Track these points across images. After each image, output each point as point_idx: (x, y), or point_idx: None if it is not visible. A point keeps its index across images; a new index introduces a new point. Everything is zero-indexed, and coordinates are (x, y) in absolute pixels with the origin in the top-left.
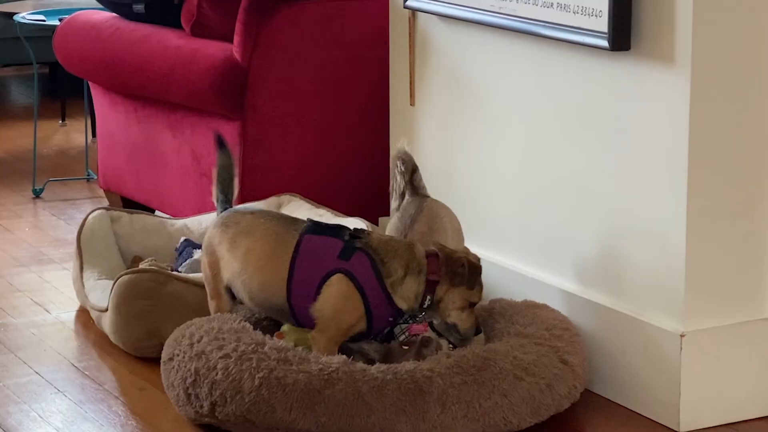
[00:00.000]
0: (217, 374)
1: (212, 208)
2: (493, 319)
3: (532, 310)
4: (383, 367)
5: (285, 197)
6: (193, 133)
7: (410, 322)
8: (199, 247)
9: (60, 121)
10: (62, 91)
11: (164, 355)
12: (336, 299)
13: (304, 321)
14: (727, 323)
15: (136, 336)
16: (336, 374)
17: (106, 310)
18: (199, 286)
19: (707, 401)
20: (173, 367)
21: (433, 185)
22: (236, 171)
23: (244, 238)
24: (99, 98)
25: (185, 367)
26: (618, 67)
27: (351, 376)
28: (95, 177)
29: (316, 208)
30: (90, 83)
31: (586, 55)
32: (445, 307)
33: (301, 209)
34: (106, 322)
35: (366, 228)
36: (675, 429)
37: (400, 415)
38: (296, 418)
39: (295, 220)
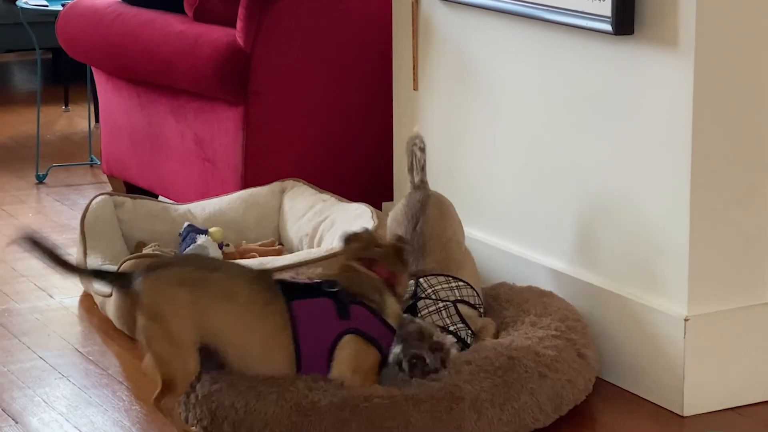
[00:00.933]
0: (236, 412)
1: (216, 193)
2: (500, 306)
3: (540, 298)
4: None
5: (288, 182)
6: (196, 118)
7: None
8: (203, 232)
9: (63, 107)
10: (65, 76)
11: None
12: (353, 360)
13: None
14: (731, 307)
15: None
16: (372, 389)
17: (110, 295)
18: None
19: (711, 385)
20: (183, 410)
21: (437, 169)
22: None
23: (224, 304)
24: (102, 84)
25: (198, 409)
26: (621, 51)
27: (387, 391)
28: (98, 162)
29: (320, 193)
30: (93, 68)
31: (589, 40)
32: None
33: (304, 194)
34: (111, 307)
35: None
36: (678, 413)
37: (437, 426)
38: None
39: (267, 281)
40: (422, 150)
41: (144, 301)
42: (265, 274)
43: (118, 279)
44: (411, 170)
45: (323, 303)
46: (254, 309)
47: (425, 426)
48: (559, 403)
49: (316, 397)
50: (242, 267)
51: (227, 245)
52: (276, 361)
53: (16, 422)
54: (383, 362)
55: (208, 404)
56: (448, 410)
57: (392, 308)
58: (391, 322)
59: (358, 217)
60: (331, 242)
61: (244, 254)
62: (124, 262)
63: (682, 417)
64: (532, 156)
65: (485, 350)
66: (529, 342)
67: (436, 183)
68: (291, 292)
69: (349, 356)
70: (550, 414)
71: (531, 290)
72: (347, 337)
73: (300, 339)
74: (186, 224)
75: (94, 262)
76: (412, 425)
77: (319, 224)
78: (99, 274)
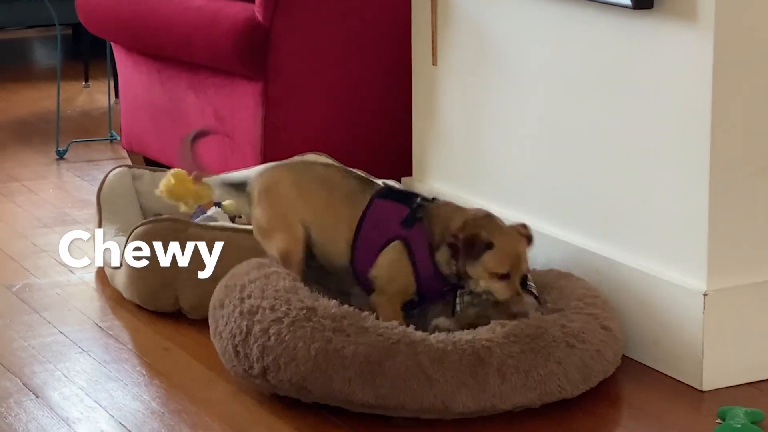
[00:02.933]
0: (269, 339)
1: (234, 167)
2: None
3: (557, 281)
4: (442, 336)
5: (309, 156)
6: (215, 93)
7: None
8: (215, 204)
9: (83, 83)
10: (85, 52)
11: (214, 300)
12: (389, 265)
13: (365, 284)
14: (750, 282)
15: (150, 288)
16: (397, 346)
17: (120, 266)
18: (219, 229)
19: (730, 360)
20: (222, 317)
21: (455, 145)
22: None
23: (319, 187)
24: (122, 59)
25: (234, 322)
26: (640, 25)
27: (411, 347)
28: (118, 138)
29: (342, 167)
30: (113, 44)
31: (608, 14)
32: (474, 276)
33: None
34: (120, 278)
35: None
36: (698, 388)
37: (461, 388)
38: (355, 390)
39: (370, 183)
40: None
41: (256, 189)
42: (361, 175)
43: (236, 187)
44: None
45: (399, 208)
46: (341, 197)
47: (449, 387)
48: (587, 374)
49: (340, 345)
50: (347, 169)
51: (239, 217)
52: (339, 248)
53: (37, 396)
54: (419, 301)
55: (247, 321)
56: (473, 374)
57: (442, 254)
58: (442, 266)
59: None
60: None
61: None
62: (137, 227)
63: (701, 391)
64: (550, 131)
65: (517, 320)
66: (555, 316)
67: (454, 158)
68: (381, 192)
69: (387, 261)
70: (578, 384)
71: (551, 274)
72: (395, 242)
73: (361, 232)
74: None
75: (107, 233)
76: (435, 385)
77: None
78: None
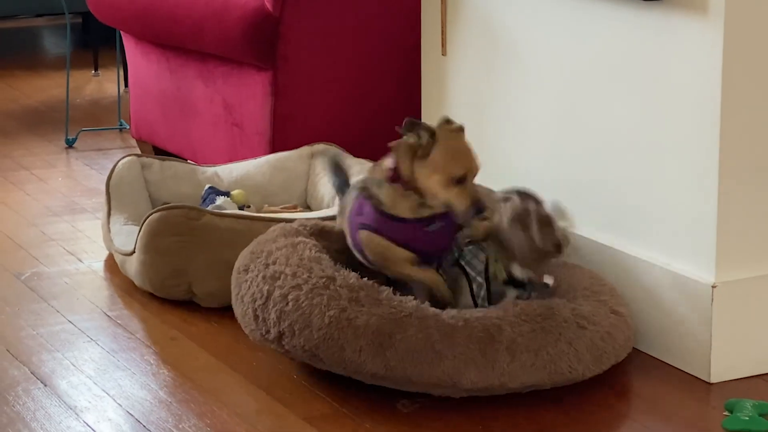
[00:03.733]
0: (287, 304)
1: (244, 158)
2: None
3: (564, 271)
4: (454, 312)
5: (319, 146)
6: (224, 82)
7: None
8: (224, 194)
9: (92, 71)
10: (94, 41)
11: (239, 265)
12: (374, 251)
13: None
14: (759, 275)
15: (162, 274)
16: (408, 319)
17: (131, 253)
18: (236, 217)
19: (739, 352)
20: (246, 281)
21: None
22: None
23: None
24: (131, 48)
25: (257, 286)
26: (650, 17)
27: (423, 321)
28: (128, 127)
29: (352, 157)
30: (122, 33)
31: (618, 5)
32: (424, 187)
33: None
34: (132, 265)
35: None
36: (706, 380)
37: (469, 364)
38: (365, 360)
39: None
40: None
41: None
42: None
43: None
44: None
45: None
46: None
47: (457, 363)
48: (598, 356)
49: (353, 314)
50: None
51: (248, 207)
52: None
53: (45, 385)
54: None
55: (269, 286)
56: (483, 351)
57: (389, 197)
58: (398, 212)
59: None
60: None
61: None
62: (151, 214)
63: (709, 384)
64: (559, 121)
65: (529, 300)
66: (564, 299)
67: None
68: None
69: (369, 250)
70: (589, 366)
71: (557, 263)
72: (361, 233)
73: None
74: (207, 186)
75: (116, 222)
76: (444, 361)
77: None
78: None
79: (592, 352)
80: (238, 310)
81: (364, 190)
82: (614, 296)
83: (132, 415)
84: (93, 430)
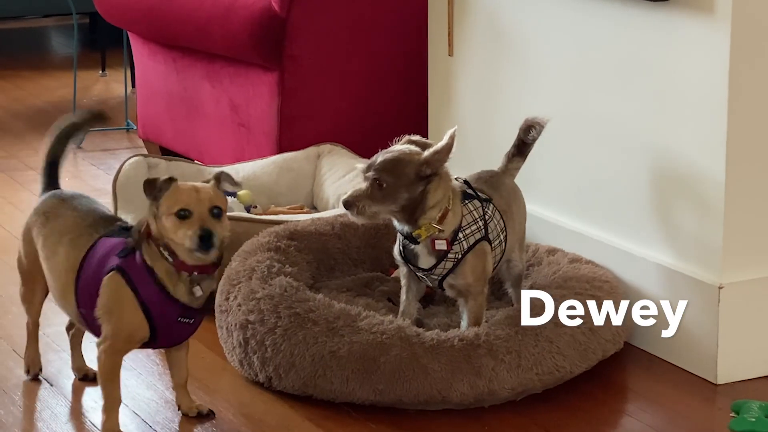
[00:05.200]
0: (266, 351)
1: (251, 158)
2: (535, 270)
3: (574, 263)
4: (434, 332)
5: (325, 147)
6: (231, 83)
7: None
8: (230, 194)
9: (100, 72)
10: (102, 41)
11: (217, 305)
12: (108, 298)
13: (95, 330)
14: (766, 275)
15: None
16: (391, 340)
17: None
18: (237, 220)
19: (745, 354)
20: (221, 327)
21: (471, 135)
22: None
23: (51, 234)
24: (138, 48)
25: (235, 336)
26: (657, 17)
27: (405, 341)
28: (134, 127)
29: (359, 158)
30: (129, 33)
31: (625, 5)
32: (164, 225)
33: (341, 159)
34: None
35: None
36: (712, 381)
37: (455, 373)
38: (353, 388)
39: (109, 221)
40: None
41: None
42: (103, 218)
43: None
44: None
45: (120, 242)
46: (66, 241)
47: (444, 374)
48: (582, 352)
49: (335, 347)
50: (100, 213)
51: (255, 207)
52: (65, 295)
53: (51, 385)
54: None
55: (243, 333)
56: (467, 358)
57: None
58: (167, 285)
59: None
60: None
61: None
62: None
63: (716, 385)
64: (565, 121)
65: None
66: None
67: (470, 149)
68: (111, 231)
69: (106, 294)
70: (575, 362)
71: (569, 258)
72: (110, 274)
73: (82, 273)
74: None
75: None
76: (430, 374)
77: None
78: None
79: (575, 348)
80: (226, 352)
81: (139, 242)
82: (610, 293)
83: (138, 415)
84: (99, 430)
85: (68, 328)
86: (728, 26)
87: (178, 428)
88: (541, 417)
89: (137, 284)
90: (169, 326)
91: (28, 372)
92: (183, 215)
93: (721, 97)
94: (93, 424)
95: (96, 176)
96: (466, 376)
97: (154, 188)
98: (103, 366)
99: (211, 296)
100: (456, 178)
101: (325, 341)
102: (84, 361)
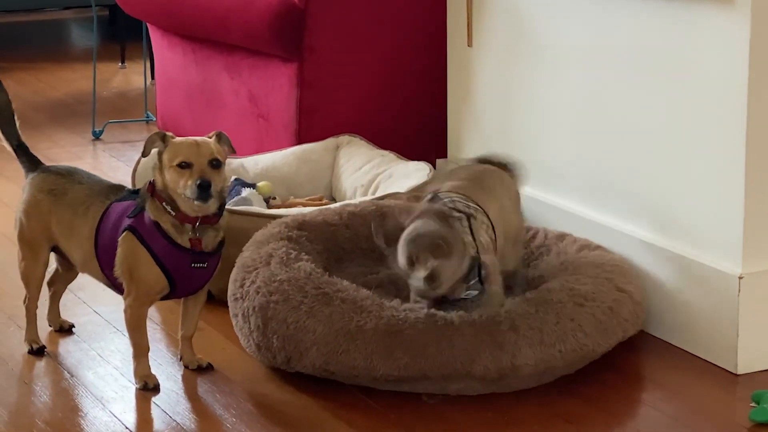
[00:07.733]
0: (288, 328)
1: (269, 148)
2: (544, 254)
3: (585, 250)
4: (459, 312)
5: (344, 138)
6: (250, 74)
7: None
8: (250, 185)
9: (119, 64)
10: (121, 33)
11: (230, 294)
12: (125, 256)
13: (119, 288)
14: None
15: None
16: (416, 315)
17: None
18: (251, 216)
19: (765, 344)
20: (236, 315)
21: (490, 127)
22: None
23: (72, 211)
24: (158, 40)
25: (252, 321)
26: (676, 8)
27: (430, 317)
28: (154, 119)
29: (377, 149)
30: (149, 25)
31: None
32: (167, 178)
33: (362, 149)
34: None
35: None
36: (732, 371)
37: (479, 345)
38: (376, 364)
39: (116, 188)
40: None
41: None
42: (110, 186)
43: None
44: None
45: (130, 205)
46: (78, 210)
47: (467, 347)
48: (603, 330)
49: (361, 321)
50: (99, 178)
51: (274, 198)
52: (88, 261)
53: (72, 375)
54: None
55: (263, 314)
56: (490, 331)
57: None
58: (174, 236)
59: (417, 171)
60: (386, 191)
61: (290, 208)
62: None
63: (736, 375)
64: (585, 112)
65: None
66: (562, 281)
67: (489, 140)
68: (121, 197)
69: (122, 253)
70: (597, 340)
71: (579, 244)
72: (124, 234)
73: (99, 238)
74: (233, 178)
75: None
76: (454, 346)
77: (375, 176)
78: None
79: (596, 326)
80: (243, 341)
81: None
82: (624, 276)
83: (158, 405)
84: (119, 420)
85: (50, 284)
86: (748, 19)
87: (197, 418)
88: (559, 406)
89: (148, 240)
90: (185, 274)
91: (31, 349)
92: (184, 166)
93: (741, 88)
94: (114, 415)
95: (116, 167)
96: (489, 348)
97: (149, 142)
98: (130, 319)
99: (222, 242)
100: (437, 193)
101: (353, 317)
102: (59, 314)
